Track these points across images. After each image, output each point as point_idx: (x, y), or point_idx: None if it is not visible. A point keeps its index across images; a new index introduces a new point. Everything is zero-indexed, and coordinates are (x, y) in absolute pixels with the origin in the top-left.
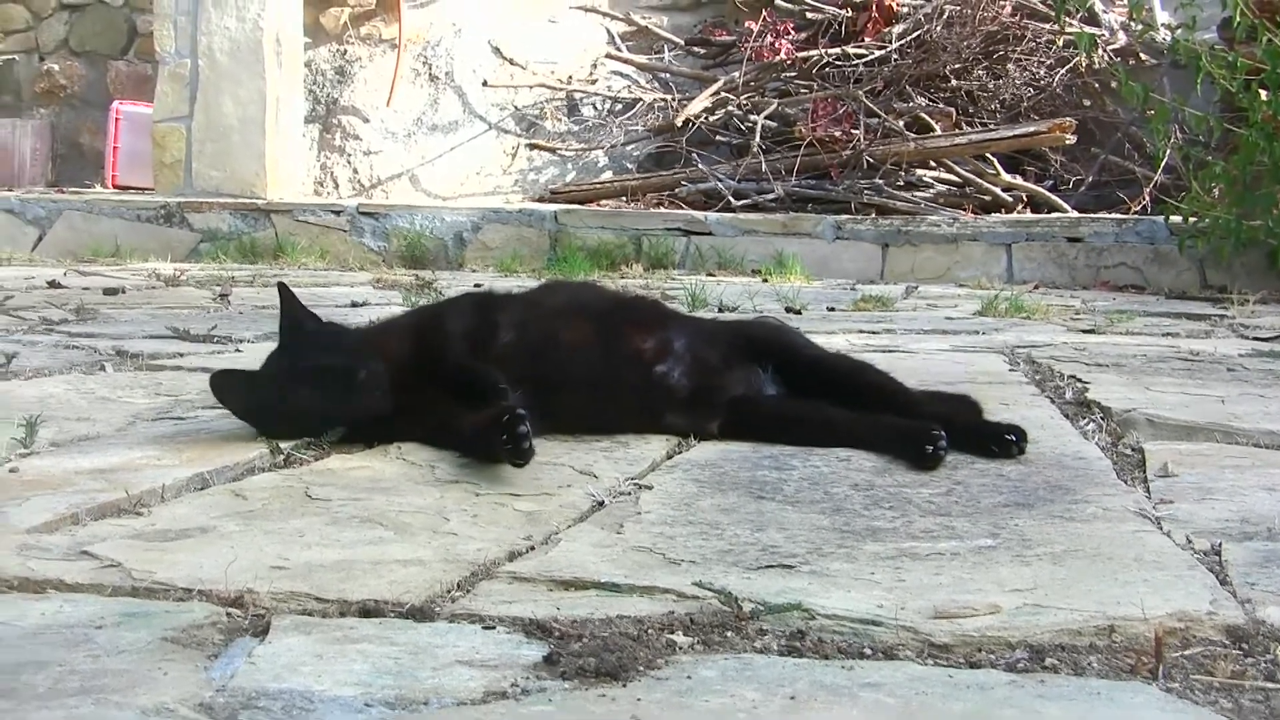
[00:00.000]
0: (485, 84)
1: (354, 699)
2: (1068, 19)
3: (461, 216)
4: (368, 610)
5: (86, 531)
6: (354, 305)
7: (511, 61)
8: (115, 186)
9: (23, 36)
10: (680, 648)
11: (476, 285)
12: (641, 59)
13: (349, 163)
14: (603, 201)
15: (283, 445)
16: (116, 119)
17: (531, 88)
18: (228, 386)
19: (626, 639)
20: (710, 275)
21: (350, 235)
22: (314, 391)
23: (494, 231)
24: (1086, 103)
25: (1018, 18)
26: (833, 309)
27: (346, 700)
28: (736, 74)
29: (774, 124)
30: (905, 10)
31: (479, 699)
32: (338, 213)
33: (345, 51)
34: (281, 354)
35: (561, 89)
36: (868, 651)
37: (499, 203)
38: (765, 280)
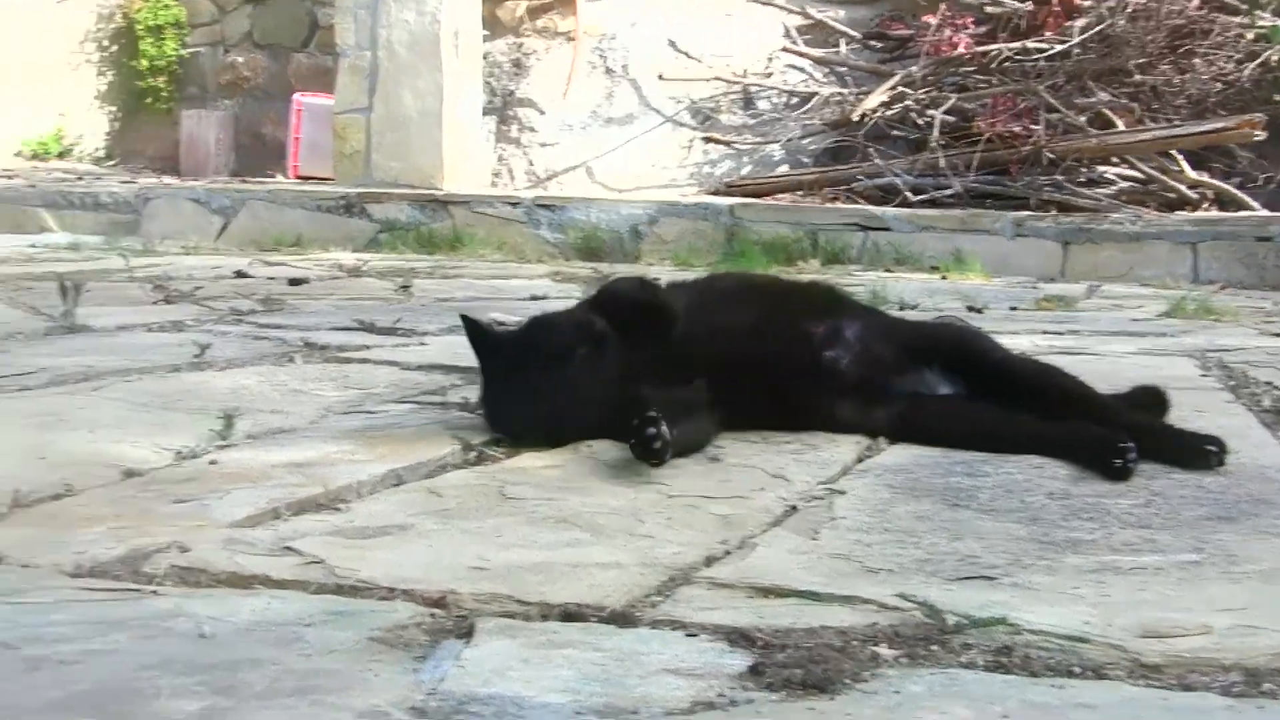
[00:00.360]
0: (661, 77)
1: (563, 706)
2: (1259, 12)
3: (637, 209)
4: (569, 614)
5: (288, 527)
6: (534, 299)
7: (687, 55)
8: (296, 177)
9: (208, 30)
10: (885, 660)
11: (654, 279)
12: (818, 53)
13: (525, 155)
14: (778, 196)
15: (474, 442)
16: (298, 110)
17: (708, 80)
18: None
19: (831, 650)
20: (887, 271)
21: (527, 227)
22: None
23: (670, 225)
24: (1277, 98)
25: (1205, 10)
26: (1015, 308)
27: (556, 707)
28: (914, 68)
29: (952, 119)
30: (1088, 4)
31: (686, 709)
32: (515, 205)
33: (522, 44)
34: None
35: (737, 82)
36: (1076, 670)
37: (673, 196)
38: (944, 277)
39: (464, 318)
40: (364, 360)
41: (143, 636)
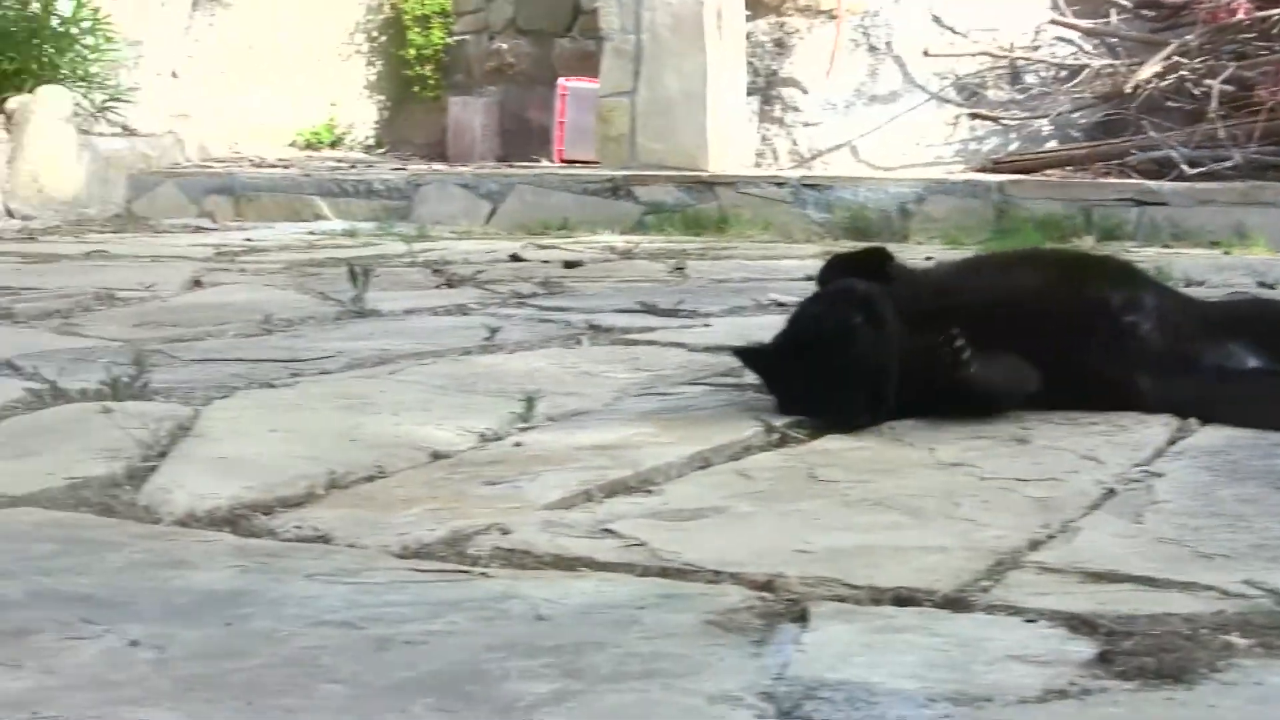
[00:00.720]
0: (926, 53)
1: (914, 693)
2: None
3: (904, 188)
4: (901, 599)
5: (603, 509)
6: (808, 279)
7: (952, 30)
8: (561, 161)
9: (473, 18)
10: (1239, 650)
11: (927, 259)
12: (1087, 24)
13: (788, 134)
14: (1047, 172)
15: (775, 424)
16: (562, 95)
17: (973, 56)
18: None
19: (1179, 638)
20: (1166, 247)
21: (793, 207)
22: None
23: (937, 203)
24: None
25: None
26: None
27: (908, 694)
28: (1189, 37)
29: (1230, 89)
30: None
31: (1038, 697)
32: (780, 185)
33: (784, 23)
34: None
35: (1003, 57)
36: None
37: (939, 173)
38: (1227, 253)
39: (735, 350)
40: (650, 342)
41: (481, 618)
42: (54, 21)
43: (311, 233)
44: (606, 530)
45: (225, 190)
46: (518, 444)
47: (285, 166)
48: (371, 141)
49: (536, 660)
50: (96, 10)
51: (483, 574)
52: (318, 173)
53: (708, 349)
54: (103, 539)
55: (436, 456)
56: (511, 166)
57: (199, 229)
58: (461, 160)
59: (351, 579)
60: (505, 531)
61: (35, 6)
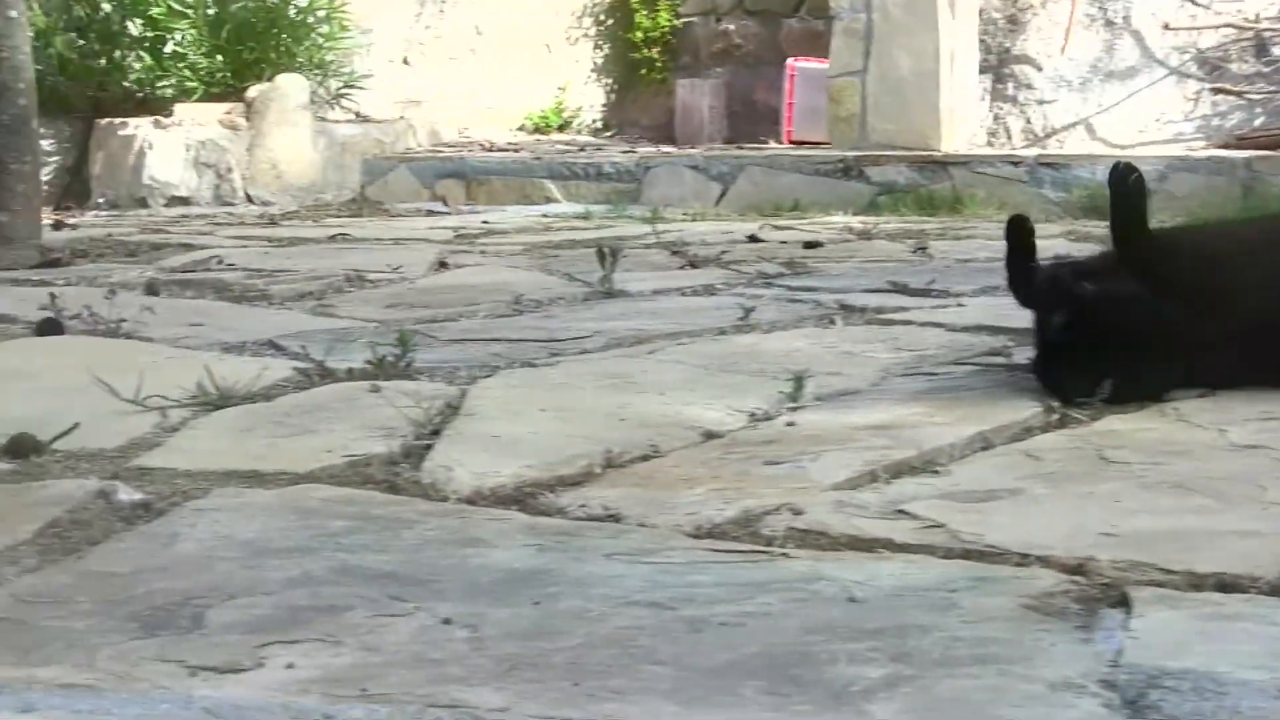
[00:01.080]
0: (1166, 27)
1: (1265, 684)
2: None
3: (1146, 166)
4: (1225, 585)
5: (892, 490)
6: (1056, 259)
7: (1193, 2)
8: (789, 142)
9: (701, 0)
10: None
11: None
12: None
13: (1022, 112)
14: None
15: (1053, 404)
16: (791, 75)
17: (1216, 29)
18: None
19: None
20: None
21: (1029, 186)
22: None
23: (1181, 180)
24: None
25: None
26: None
27: (1258, 685)
28: None
29: None
30: None
31: None
32: (1016, 164)
33: None
34: None
35: (1249, 28)
36: None
37: (1179, 150)
38: None
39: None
40: (906, 322)
41: (792, 599)
42: (290, 11)
43: (545, 215)
44: (901, 511)
45: (457, 174)
46: (790, 424)
47: (515, 150)
48: (599, 124)
49: (860, 644)
50: None
51: (783, 554)
52: (547, 156)
53: (965, 329)
54: (394, 516)
55: (709, 436)
56: (740, 148)
57: (431, 212)
58: (689, 142)
59: (650, 559)
60: (797, 512)
61: None
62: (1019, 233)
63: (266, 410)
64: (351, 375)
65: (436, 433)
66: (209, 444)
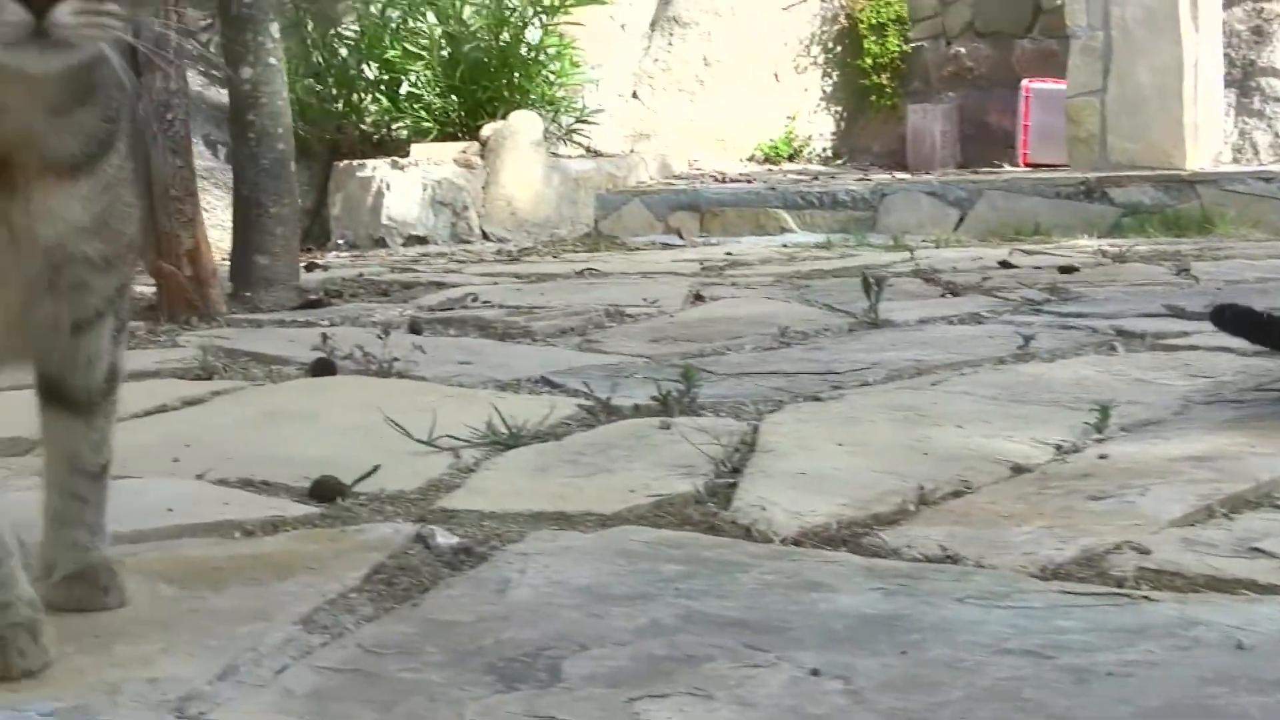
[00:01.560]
0: None
1: None
2: None
3: None
4: None
5: (1238, 526)
6: None
7: None
8: (1026, 164)
9: (930, 23)
10: None
11: None
12: None
13: (1269, 127)
14: None
15: None
16: (1026, 97)
17: None
18: None
19: None
20: None
21: None
22: None
23: None
24: None
25: None
26: None
27: None
28: None
29: None
30: None
31: None
32: (1268, 180)
33: (1261, 10)
34: None
35: None
36: None
37: None
38: None
39: None
40: (1192, 347)
41: (1174, 647)
42: (522, 49)
43: (785, 245)
44: (1256, 549)
45: (690, 206)
46: (1102, 456)
47: (747, 180)
48: (829, 152)
49: (1270, 696)
50: (561, 36)
51: (1145, 598)
52: (780, 185)
53: (1259, 353)
54: (724, 559)
55: (1018, 470)
56: (975, 172)
57: (667, 245)
58: (921, 168)
59: (1005, 603)
60: (1143, 551)
61: (505, 36)
62: None
63: (558, 449)
64: (637, 412)
65: (737, 470)
66: (507, 485)
